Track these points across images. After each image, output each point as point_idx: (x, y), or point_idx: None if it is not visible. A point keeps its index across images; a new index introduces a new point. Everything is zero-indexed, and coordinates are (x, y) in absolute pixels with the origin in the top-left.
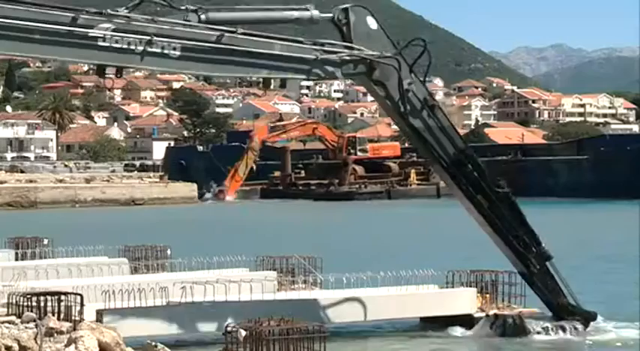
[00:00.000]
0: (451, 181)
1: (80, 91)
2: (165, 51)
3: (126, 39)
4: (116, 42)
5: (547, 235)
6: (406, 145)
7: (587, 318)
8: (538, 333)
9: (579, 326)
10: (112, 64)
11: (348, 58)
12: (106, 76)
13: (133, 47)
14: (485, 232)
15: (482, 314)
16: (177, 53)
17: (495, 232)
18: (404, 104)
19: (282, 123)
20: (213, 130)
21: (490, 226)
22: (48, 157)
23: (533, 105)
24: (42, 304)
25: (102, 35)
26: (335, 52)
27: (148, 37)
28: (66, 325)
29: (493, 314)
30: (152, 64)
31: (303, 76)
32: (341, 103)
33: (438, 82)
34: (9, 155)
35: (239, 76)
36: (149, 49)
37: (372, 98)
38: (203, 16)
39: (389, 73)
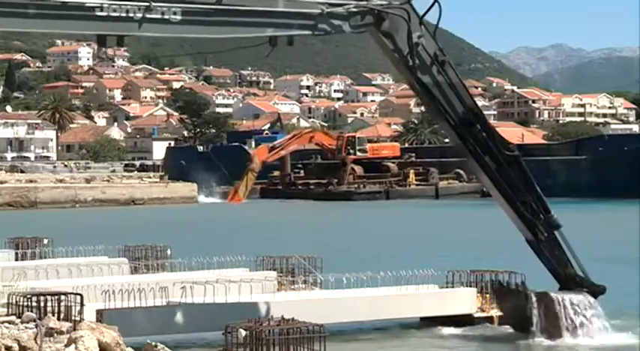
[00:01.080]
0: (459, 141)
1: (80, 91)
2: (166, 16)
3: (124, 7)
4: (114, 11)
5: None
6: (406, 145)
7: (596, 291)
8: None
9: (591, 299)
10: (111, 33)
11: (355, 9)
12: (105, 75)
13: (131, 15)
14: (494, 197)
15: (483, 314)
16: (178, 18)
17: (503, 197)
18: (413, 58)
19: (277, 141)
20: (213, 130)
21: (498, 190)
22: (48, 157)
23: (533, 105)
24: (42, 304)
25: (99, 5)
26: (341, 5)
27: (147, 4)
28: (66, 325)
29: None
30: (152, 30)
31: (309, 32)
32: (341, 103)
33: None
34: (9, 155)
35: (243, 36)
36: (148, 16)
37: (372, 98)
38: None
39: (398, 24)
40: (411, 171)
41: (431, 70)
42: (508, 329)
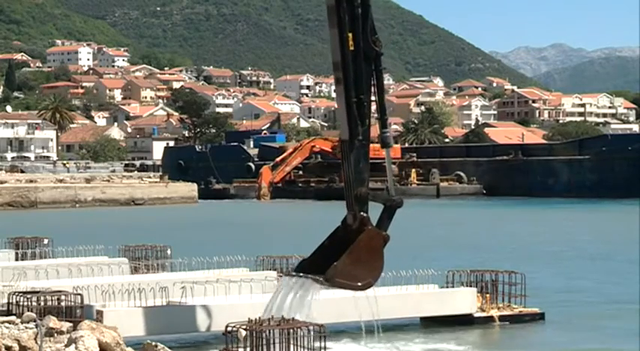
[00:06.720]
0: (332, 1)
1: (80, 91)
2: None
3: None
4: None
5: (545, 234)
6: (406, 145)
7: (392, 205)
8: None
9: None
10: None
11: None
12: (105, 75)
13: None
14: (334, 81)
15: (483, 314)
16: None
17: (344, 82)
18: None
19: (279, 158)
20: (214, 130)
21: (342, 73)
22: (48, 157)
23: (533, 105)
24: (42, 304)
25: None
26: None
27: None
28: (66, 325)
29: None
30: None
31: None
32: None
33: (438, 81)
34: (9, 155)
35: None
36: None
37: (372, 98)
38: None
39: None
40: (413, 171)
41: None
42: (508, 329)
